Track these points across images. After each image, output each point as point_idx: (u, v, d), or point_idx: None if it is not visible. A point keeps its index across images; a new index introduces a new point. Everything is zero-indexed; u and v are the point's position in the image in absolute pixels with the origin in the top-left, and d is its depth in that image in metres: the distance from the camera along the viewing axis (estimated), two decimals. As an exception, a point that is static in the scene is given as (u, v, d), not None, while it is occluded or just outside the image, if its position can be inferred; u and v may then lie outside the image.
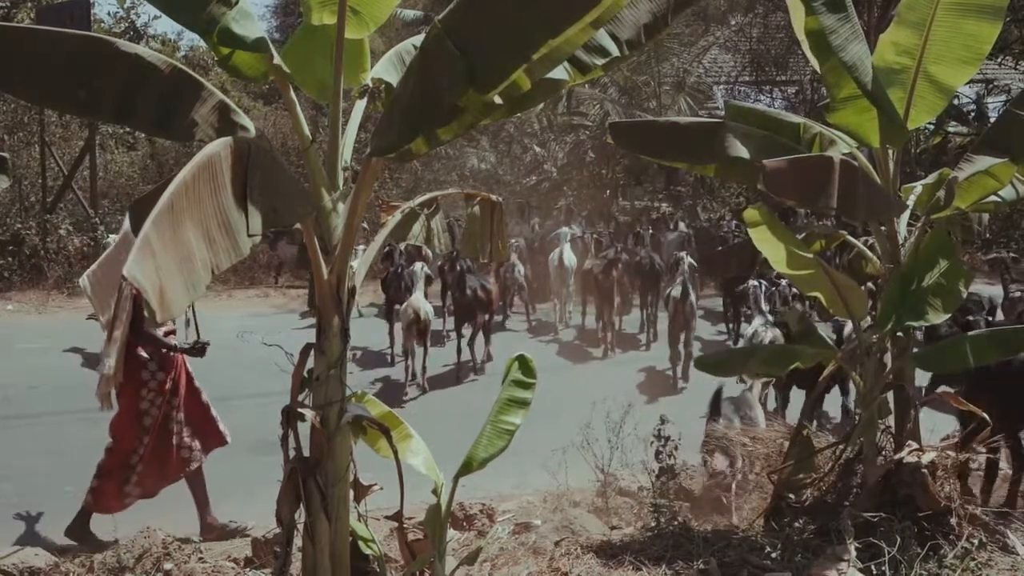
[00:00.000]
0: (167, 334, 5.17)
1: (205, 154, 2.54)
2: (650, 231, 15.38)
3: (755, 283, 8.92)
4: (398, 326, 10.16)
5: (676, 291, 9.89)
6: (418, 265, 9.72)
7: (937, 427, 5.62)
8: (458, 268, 10.71)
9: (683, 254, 11.17)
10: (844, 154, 4.45)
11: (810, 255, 4.44)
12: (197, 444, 5.38)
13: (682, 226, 16.37)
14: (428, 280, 9.87)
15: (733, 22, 23.05)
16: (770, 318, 8.35)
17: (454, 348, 10.19)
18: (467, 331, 10.23)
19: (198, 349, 5.02)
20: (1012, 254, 7.34)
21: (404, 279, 10.25)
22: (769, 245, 4.44)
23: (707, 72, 23.49)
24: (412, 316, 9.21)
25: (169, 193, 2.35)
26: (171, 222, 2.33)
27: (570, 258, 12.52)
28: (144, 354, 5.12)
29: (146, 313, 2.20)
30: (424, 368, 9.46)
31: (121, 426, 5.22)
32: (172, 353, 5.22)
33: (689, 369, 9.59)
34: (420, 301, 9.36)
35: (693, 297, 9.95)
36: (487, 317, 10.40)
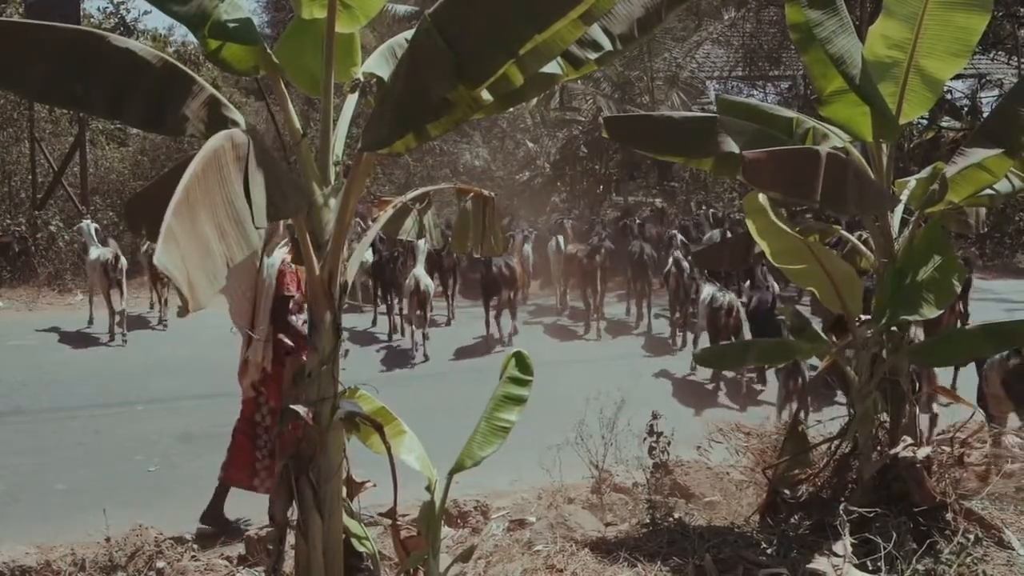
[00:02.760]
0: (304, 323, 5.18)
1: (211, 147, 2.52)
2: (637, 222, 15.67)
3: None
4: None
5: (673, 266, 11.08)
6: (421, 241, 10.02)
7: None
8: (455, 255, 11.32)
9: (674, 232, 12.89)
10: (837, 148, 4.44)
11: (806, 247, 4.43)
12: None
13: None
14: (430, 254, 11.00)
15: (726, 17, 23.05)
16: (717, 285, 9.41)
17: (452, 331, 10.86)
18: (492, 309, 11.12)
19: None
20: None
21: (397, 264, 11.36)
22: (766, 236, 4.42)
23: (700, 67, 23.49)
24: (413, 286, 10.21)
25: (184, 185, 2.32)
26: (189, 213, 2.30)
27: (564, 243, 13.35)
28: (287, 341, 5.14)
29: (179, 302, 2.17)
30: (425, 336, 10.40)
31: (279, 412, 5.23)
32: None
33: (687, 335, 10.83)
34: (422, 273, 10.36)
35: (688, 269, 10.96)
36: (511, 294, 11.30)
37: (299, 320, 5.11)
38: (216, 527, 5.20)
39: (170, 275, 2.12)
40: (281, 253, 5.07)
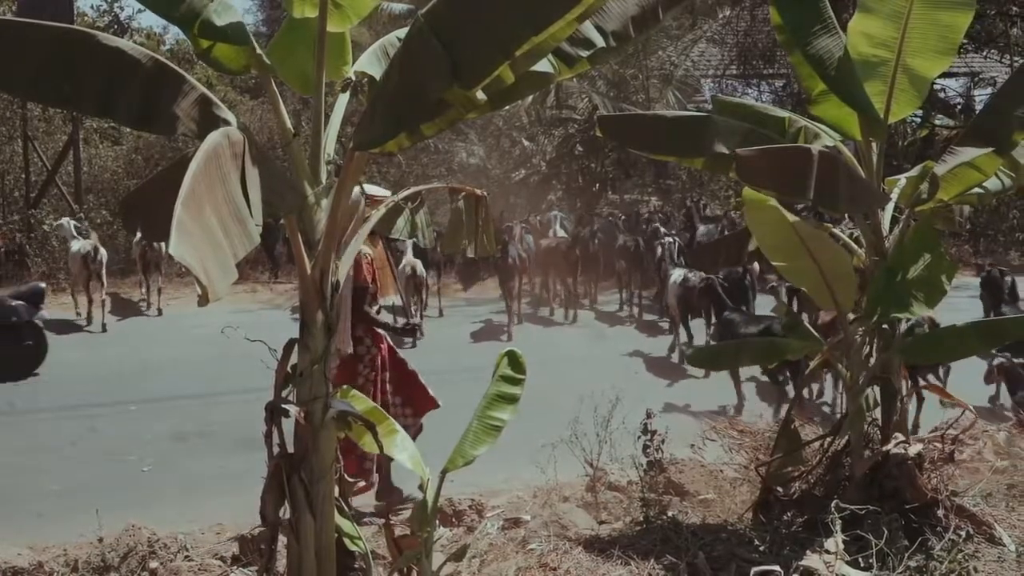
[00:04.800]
0: (377, 312, 5.43)
1: (210, 144, 2.52)
2: (622, 218, 16.43)
3: (668, 240, 11.61)
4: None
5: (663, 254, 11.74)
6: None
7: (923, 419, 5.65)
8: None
9: (657, 224, 14.04)
10: (829, 147, 4.45)
11: (800, 241, 4.45)
12: (409, 411, 5.56)
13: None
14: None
15: (721, 15, 23.06)
16: (686, 271, 9.97)
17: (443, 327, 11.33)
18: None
19: (409, 330, 5.32)
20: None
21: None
22: (761, 228, 4.43)
23: (695, 65, 23.52)
24: (409, 272, 10.79)
25: (189, 180, 2.32)
26: (196, 207, 2.30)
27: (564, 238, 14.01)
28: (360, 331, 5.31)
29: (198, 291, 2.17)
30: (422, 317, 11.12)
31: None
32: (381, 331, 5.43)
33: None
34: (415, 260, 11.00)
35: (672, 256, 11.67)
36: (521, 282, 12.35)
37: (372, 310, 5.31)
38: (389, 499, 5.36)
39: (188, 265, 2.13)
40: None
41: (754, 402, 8.16)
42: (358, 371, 5.36)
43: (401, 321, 5.23)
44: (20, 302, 9.26)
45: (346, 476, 5.01)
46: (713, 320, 9.40)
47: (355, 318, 5.24)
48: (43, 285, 10.27)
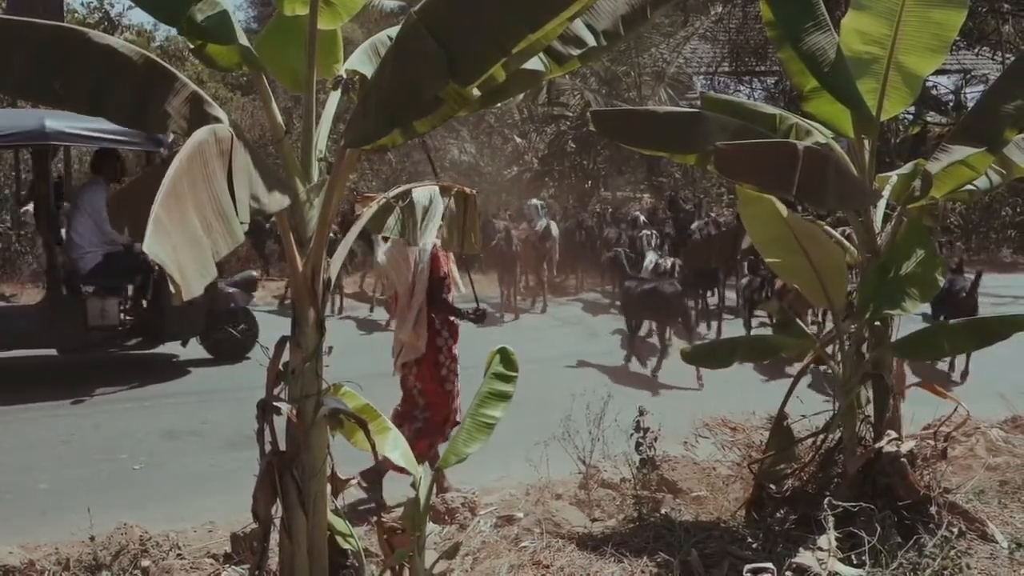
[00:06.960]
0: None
1: (195, 141, 2.50)
2: (609, 211, 17.05)
3: (647, 232, 12.41)
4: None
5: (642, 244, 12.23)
6: None
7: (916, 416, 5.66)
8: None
9: (637, 213, 15.00)
10: (820, 144, 4.45)
11: (793, 236, 4.46)
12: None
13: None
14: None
15: (712, 12, 23.07)
16: (658, 255, 10.74)
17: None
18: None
19: (479, 315, 5.33)
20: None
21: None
22: (755, 223, 4.42)
23: (687, 63, 23.53)
24: None
25: (170, 177, 2.31)
26: (177, 205, 2.29)
27: (555, 228, 14.37)
28: (438, 323, 5.40)
29: (172, 289, 2.16)
30: None
31: (431, 393, 5.43)
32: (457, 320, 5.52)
33: None
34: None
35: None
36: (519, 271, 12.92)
37: (449, 298, 5.39)
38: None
39: (161, 263, 2.11)
40: (431, 237, 5.21)
41: (750, 401, 8.18)
42: (439, 361, 5.43)
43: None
44: (235, 289, 9.63)
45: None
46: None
47: (433, 308, 5.33)
48: (255, 274, 10.81)
